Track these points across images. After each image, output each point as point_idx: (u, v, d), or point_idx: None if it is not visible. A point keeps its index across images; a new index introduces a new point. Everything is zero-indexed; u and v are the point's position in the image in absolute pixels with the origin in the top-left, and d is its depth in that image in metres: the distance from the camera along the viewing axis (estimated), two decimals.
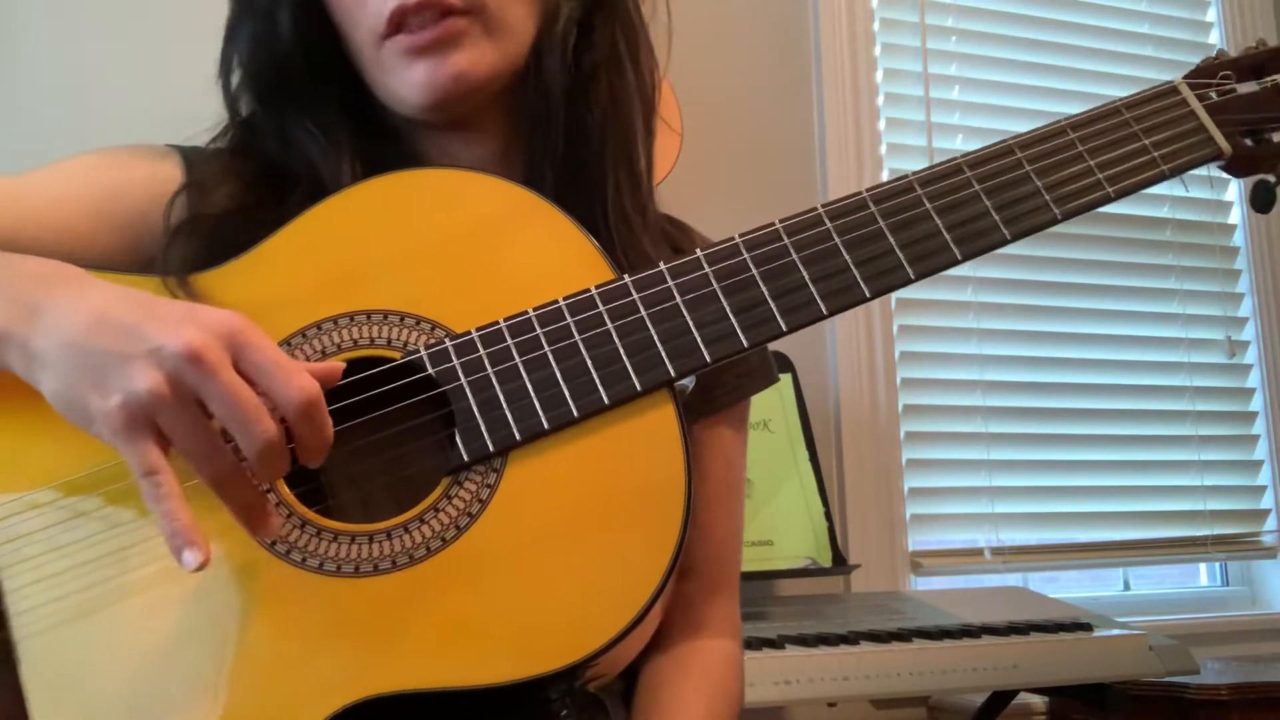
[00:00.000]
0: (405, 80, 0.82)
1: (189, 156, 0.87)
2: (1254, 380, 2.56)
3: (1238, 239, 2.60)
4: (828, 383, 2.20)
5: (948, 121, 2.39)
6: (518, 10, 0.83)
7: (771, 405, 1.93)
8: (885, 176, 2.28)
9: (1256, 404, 2.55)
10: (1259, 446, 2.53)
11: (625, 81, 0.87)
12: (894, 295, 2.28)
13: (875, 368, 2.22)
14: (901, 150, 2.34)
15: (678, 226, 0.97)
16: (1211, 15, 2.69)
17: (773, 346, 1.00)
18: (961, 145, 2.38)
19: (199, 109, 0.87)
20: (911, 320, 2.31)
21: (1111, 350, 2.46)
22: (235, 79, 0.86)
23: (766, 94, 2.27)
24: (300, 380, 0.62)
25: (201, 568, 0.60)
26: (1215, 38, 2.68)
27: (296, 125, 0.84)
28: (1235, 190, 2.60)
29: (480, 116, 0.86)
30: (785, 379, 1.95)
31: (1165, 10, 2.65)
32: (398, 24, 0.80)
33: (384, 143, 0.86)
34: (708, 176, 2.05)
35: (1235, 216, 2.62)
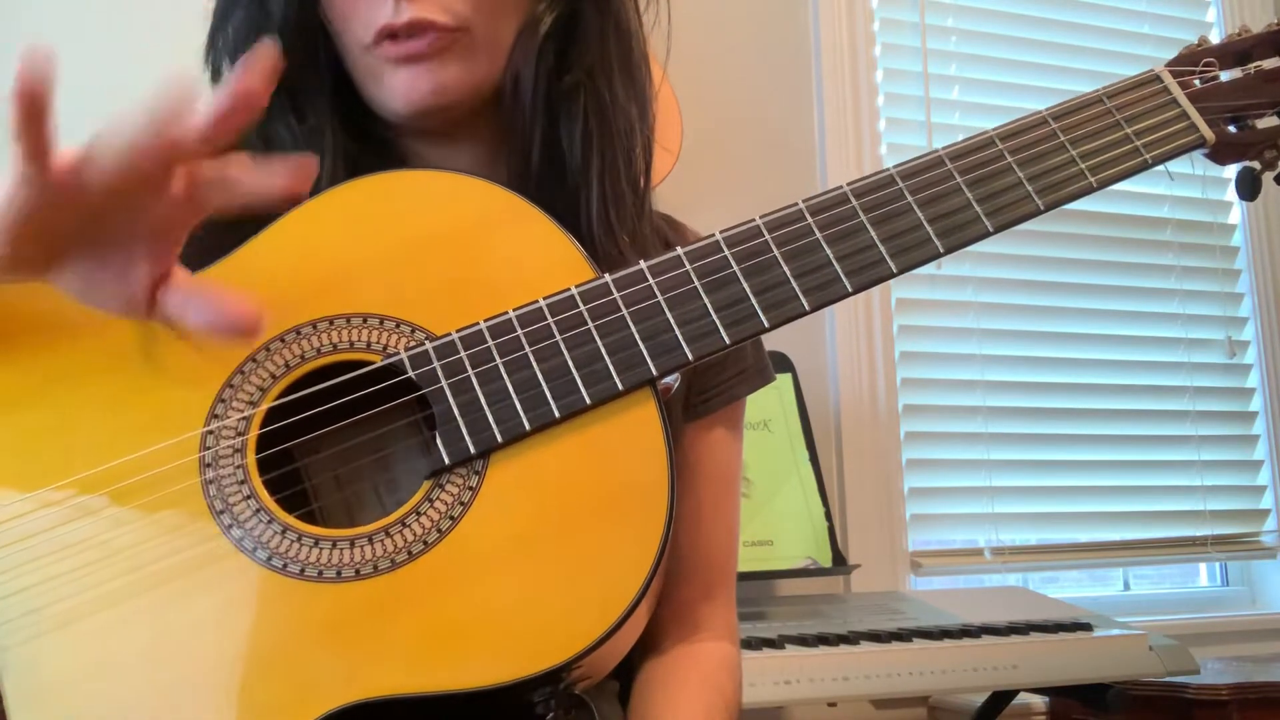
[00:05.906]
0: (387, 87, 0.82)
1: None
2: (1254, 380, 2.56)
3: (1238, 239, 2.60)
4: (828, 383, 2.20)
5: (948, 121, 2.39)
6: (505, 25, 0.83)
7: (771, 405, 1.93)
8: None
9: (1256, 404, 2.55)
10: (1259, 446, 2.53)
11: (614, 86, 0.85)
12: (894, 296, 2.28)
13: (875, 368, 2.22)
14: (902, 150, 2.34)
15: (673, 225, 0.96)
16: (1211, 15, 2.69)
17: (773, 346, 1.00)
18: None
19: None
20: (911, 320, 2.31)
21: (1111, 350, 2.46)
22: (225, 68, 0.84)
23: (766, 94, 2.27)
24: None
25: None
26: (1216, 38, 2.67)
27: (281, 123, 0.83)
28: (1235, 190, 2.60)
29: (466, 125, 0.85)
30: (785, 379, 1.95)
31: (1165, 10, 2.65)
32: (386, 34, 0.80)
33: (370, 146, 0.85)
34: (708, 177, 2.05)
35: (1235, 216, 2.61)
